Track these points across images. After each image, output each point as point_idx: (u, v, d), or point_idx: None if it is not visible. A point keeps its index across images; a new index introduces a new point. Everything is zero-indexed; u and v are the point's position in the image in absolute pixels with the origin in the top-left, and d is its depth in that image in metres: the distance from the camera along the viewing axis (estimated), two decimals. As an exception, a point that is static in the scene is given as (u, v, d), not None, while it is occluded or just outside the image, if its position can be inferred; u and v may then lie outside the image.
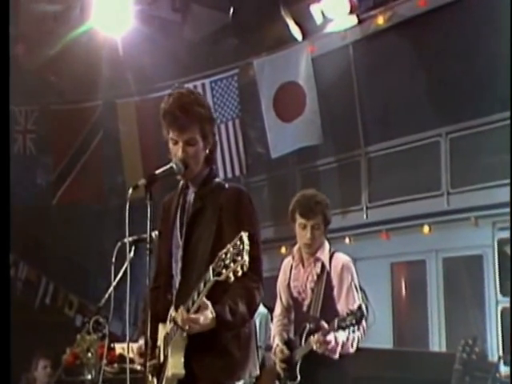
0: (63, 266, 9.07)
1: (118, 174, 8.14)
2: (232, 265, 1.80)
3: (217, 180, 2.18)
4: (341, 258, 3.12)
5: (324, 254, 3.12)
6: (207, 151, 2.15)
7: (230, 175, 7.03)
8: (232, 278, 1.81)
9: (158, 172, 2.03)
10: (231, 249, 1.82)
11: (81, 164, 7.84)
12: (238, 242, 1.81)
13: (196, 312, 1.92)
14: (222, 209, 2.06)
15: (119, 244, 2.43)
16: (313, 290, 3.10)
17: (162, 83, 7.53)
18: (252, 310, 2.00)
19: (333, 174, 7.22)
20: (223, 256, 1.83)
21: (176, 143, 2.10)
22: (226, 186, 2.15)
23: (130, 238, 2.41)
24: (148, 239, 1.97)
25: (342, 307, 3.02)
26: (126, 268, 2.36)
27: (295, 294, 3.18)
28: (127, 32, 6.95)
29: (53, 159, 8.13)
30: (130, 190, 1.97)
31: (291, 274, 3.23)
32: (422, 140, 6.43)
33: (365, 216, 6.84)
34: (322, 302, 3.05)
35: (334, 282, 3.06)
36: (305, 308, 3.13)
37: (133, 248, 2.38)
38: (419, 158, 6.38)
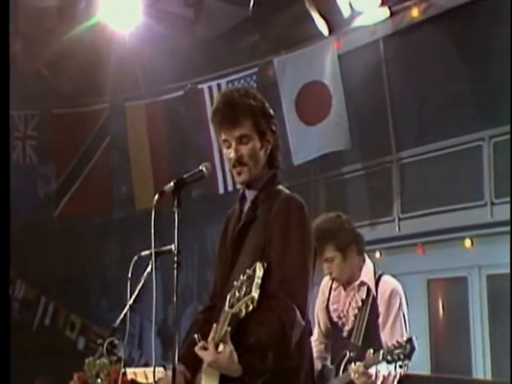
0: (64, 284, 9.02)
1: (125, 183, 8.10)
2: (243, 297, 1.79)
3: (278, 187, 2.11)
4: (390, 282, 3.06)
5: (369, 277, 3.06)
6: (267, 151, 2.10)
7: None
8: (243, 313, 1.79)
9: (186, 176, 2.02)
10: (245, 279, 1.81)
11: (86, 172, 7.85)
12: (252, 273, 1.79)
13: (220, 343, 1.86)
14: (271, 220, 2.01)
15: (136, 258, 2.45)
16: (355, 316, 3.05)
17: (174, 84, 7.58)
18: (286, 347, 1.90)
19: (361, 182, 7.18)
20: (238, 285, 1.83)
21: (229, 146, 2.08)
22: (282, 193, 2.08)
23: (149, 251, 2.37)
24: (176, 250, 1.93)
25: (386, 337, 2.96)
26: (143, 284, 2.39)
27: (335, 318, 3.13)
28: (136, 29, 6.98)
29: (55, 168, 8.15)
30: (156, 196, 1.96)
31: (330, 296, 3.18)
32: (461, 144, 6.33)
33: (397, 228, 6.78)
34: (365, 329, 3.00)
35: (381, 308, 3.00)
36: (345, 334, 3.07)
37: (150, 262, 2.36)
38: (459, 165, 6.29)
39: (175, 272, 1.91)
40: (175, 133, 7.63)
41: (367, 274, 3.06)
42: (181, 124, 7.61)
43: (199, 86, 7.42)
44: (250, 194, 2.13)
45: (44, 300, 8.96)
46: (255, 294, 1.74)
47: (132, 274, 2.43)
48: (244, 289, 1.78)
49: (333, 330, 3.14)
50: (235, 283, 1.83)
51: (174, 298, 1.92)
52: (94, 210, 8.10)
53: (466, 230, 6.08)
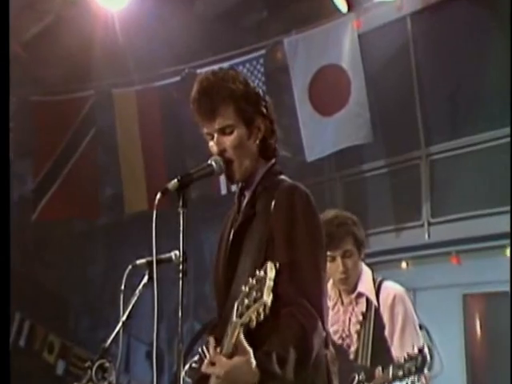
0: (41, 299, 9.01)
1: (113, 183, 8.11)
2: (254, 304, 1.77)
3: (279, 177, 2.11)
4: (391, 288, 3.08)
5: (367, 286, 3.08)
6: (257, 140, 2.09)
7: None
8: (254, 322, 1.77)
9: (193, 171, 2.03)
10: (254, 283, 1.79)
11: (68, 171, 7.83)
12: (262, 274, 1.77)
13: (230, 356, 1.86)
14: (272, 213, 2.01)
15: (130, 267, 2.50)
16: (359, 334, 3.05)
17: (170, 69, 7.56)
18: (308, 356, 1.91)
19: (384, 181, 7.19)
20: (247, 291, 1.81)
21: (213, 138, 2.08)
22: (282, 183, 2.08)
23: (145, 260, 2.47)
24: (181, 258, 1.93)
25: (397, 351, 2.97)
26: (138, 297, 2.43)
27: (338, 341, 3.12)
28: (125, 5, 6.96)
29: (32, 165, 8.13)
30: (158, 196, 1.95)
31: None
32: (499, 138, 6.34)
33: (426, 235, 6.78)
34: (372, 346, 3.01)
35: (385, 319, 3.02)
36: (351, 356, 3.08)
37: (146, 272, 2.46)
38: (497, 161, 6.27)
39: (180, 283, 1.91)
40: (171, 125, 7.62)
41: (365, 283, 3.07)
42: (178, 114, 7.62)
43: (198, 71, 7.40)
44: (248, 190, 2.13)
45: (19, 317, 8.97)
46: (267, 298, 1.72)
47: (125, 286, 2.48)
48: (254, 294, 1.76)
49: (337, 353, 3.10)
50: (243, 288, 1.82)
51: (179, 314, 1.93)
52: (77, 215, 8.10)
53: (507, 237, 6.05)
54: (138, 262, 2.52)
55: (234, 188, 7.81)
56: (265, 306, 1.73)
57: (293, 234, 1.96)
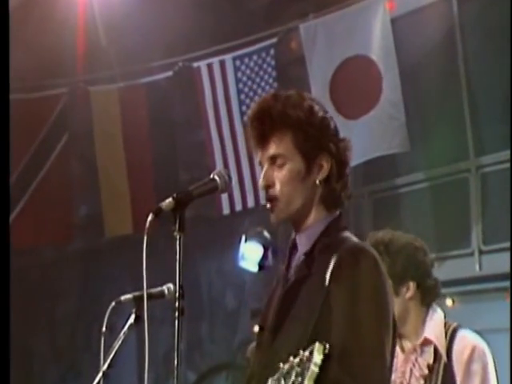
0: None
1: (89, 200, 8.12)
2: None
3: (343, 234, 2.15)
4: (469, 339, 3.05)
5: (436, 332, 3.04)
6: (317, 181, 2.14)
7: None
8: None
9: (192, 188, 2.09)
10: (296, 363, 1.84)
11: (35, 186, 7.84)
12: (307, 355, 1.82)
13: None
14: (331, 278, 2.06)
15: (113, 304, 2.61)
16: None
17: (160, 62, 7.56)
18: None
19: (424, 199, 7.13)
20: (284, 371, 1.86)
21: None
22: (346, 242, 2.13)
23: (131, 295, 2.58)
24: (177, 293, 1.96)
25: None
26: (123, 342, 2.52)
27: None
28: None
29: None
30: (150, 217, 2.00)
31: None
32: None
33: (477, 265, 6.76)
34: None
35: (458, 377, 2.98)
36: None
37: (133, 311, 2.56)
38: None
39: (176, 323, 1.95)
40: (162, 130, 7.65)
41: (434, 328, 3.04)
42: (170, 118, 7.58)
43: (195, 64, 7.47)
44: (303, 243, 2.17)
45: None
46: None
47: (106, 328, 2.57)
48: (293, 377, 1.79)
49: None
50: (280, 365, 1.86)
51: (176, 362, 1.95)
52: (46, 239, 8.08)
53: None
54: (123, 297, 2.60)
55: (238, 207, 7.72)
56: None
57: (355, 309, 2.00)
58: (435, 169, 7.00)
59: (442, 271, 6.60)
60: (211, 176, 2.11)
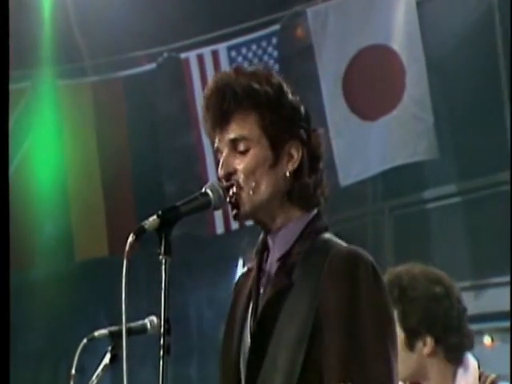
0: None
1: (56, 217, 8.05)
2: None
3: (325, 236, 2.14)
4: None
5: None
6: (287, 172, 2.13)
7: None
8: None
9: (181, 203, 2.08)
10: None
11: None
12: None
13: None
14: (322, 290, 2.06)
15: (84, 341, 2.61)
16: None
17: (141, 52, 7.52)
18: None
19: (455, 216, 7.13)
20: None
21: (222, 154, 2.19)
22: (335, 246, 2.11)
23: (106, 330, 2.60)
24: (162, 328, 1.96)
25: None
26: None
27: None
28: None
29: None
30: (131, 238, 1.99)
31: None
32: None
33: None
34: None
35: None
36: None
37: (109, 349, 2.57)
38: None
39: (161, 363, 1.97)
40: (143, 132, 7.66)
41: (466, 382, 2.99)
42: (154, 118, 7.56)
43: (182, 55, 7.45)
44: (277, 247, 2.15)
45: None
46: None
47: (76, 370, 2.57)
48: None
49: None
50: None
51: None
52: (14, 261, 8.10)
53: None
54: (97, 333, 2.61)
55: (234, 225, 7.69)
56: None
57: (354, 325, 2.01)
58: (469, 180, 6.98)
59: (479, 303, 6.61)
60: (203, 190, 2.09)
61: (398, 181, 7.16)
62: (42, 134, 7.78)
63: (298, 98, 2.15)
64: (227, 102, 2.08)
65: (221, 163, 2.12)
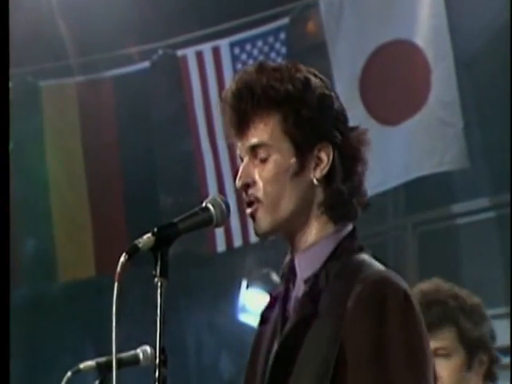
0: None
1: (36, 232, 8.11)
2: None
3: (359, 257, 2.15)
4: None
5: None
6: (315, 178, 2.14)
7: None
8: None
9: (179, 220, 2.10)
10: None
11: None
12: None
13: None
14: (348, 320, 2.06)
15: (69, 374, 2.77)
16: None
17: (133, 49, 7.55)
18: None
19: (487, 233, 7.17)
20: None
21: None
22: (364, 271, 2.12)
23: (93, 362, 2.73)
24: (157, 359, 1.99)
25: None
26: None
27: None
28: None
29: None
30: (123, 258, 2.02)
31: None
32: None
33: None
34: None
35: None
36: None
37: (97, 382, 2.72)
38: None
39: None
40: (135, 138, 7.70)
41: None
42: (146, 120, 7.57)
43: (179, 52, 7.46)
44: (304, 268, 2.16)
45: None
46: None
47: None
48: None
49: None
50: None
51: None
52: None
53: None
54: (83, 364, 2.73)
55: (238, 243, 7.74)
56: None
57: (380, 364, 2.02)
58: (503, 193, 6.94)
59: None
60: (203, 204, 2.11)
61: (423, 193, 7.23)
62: (21, 142, 7.78)
63: (332, 94, 2.19)
64: (244, 104, 2.12)
65: (239, 173, 2.14)
